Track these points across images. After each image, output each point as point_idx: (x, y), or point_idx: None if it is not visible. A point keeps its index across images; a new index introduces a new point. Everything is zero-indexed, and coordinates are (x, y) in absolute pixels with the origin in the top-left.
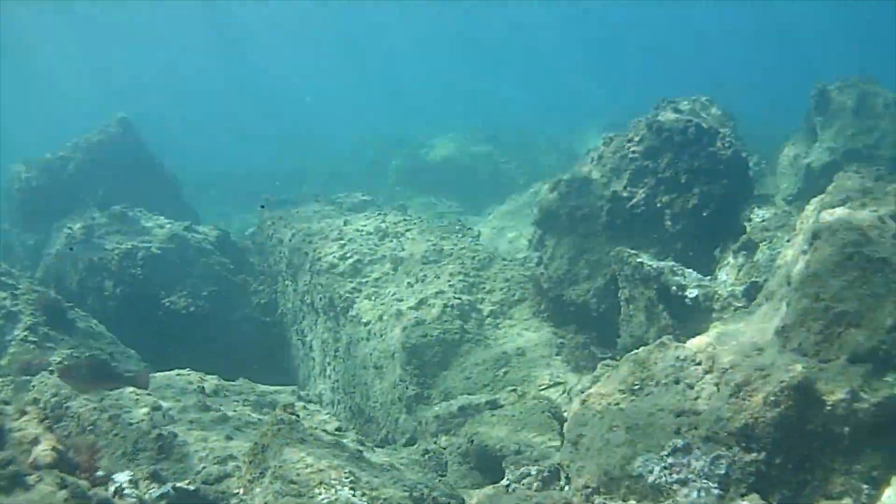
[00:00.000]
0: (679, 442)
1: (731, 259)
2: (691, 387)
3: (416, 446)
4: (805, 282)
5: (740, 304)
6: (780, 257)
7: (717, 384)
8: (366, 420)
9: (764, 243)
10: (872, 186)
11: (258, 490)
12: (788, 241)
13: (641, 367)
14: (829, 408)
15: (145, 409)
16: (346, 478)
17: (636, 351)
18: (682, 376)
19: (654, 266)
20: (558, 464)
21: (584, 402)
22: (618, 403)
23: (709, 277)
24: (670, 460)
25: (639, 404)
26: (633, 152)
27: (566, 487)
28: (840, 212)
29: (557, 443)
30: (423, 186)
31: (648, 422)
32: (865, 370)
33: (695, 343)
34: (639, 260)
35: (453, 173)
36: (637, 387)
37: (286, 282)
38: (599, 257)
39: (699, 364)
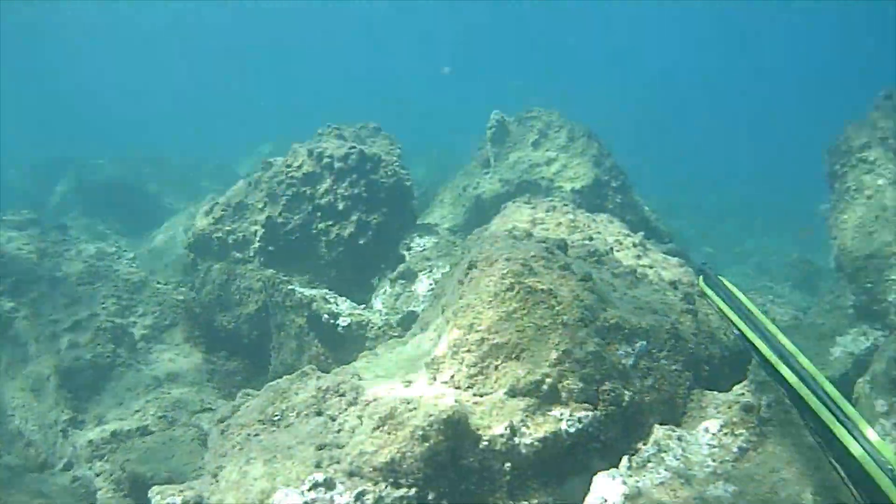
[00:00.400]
0: (320, 476)
1: (388, 288)
2: (334, 419)
3: (70, 472)
4: (459, 312)
5: (395, 334)
6: (438, 287)
7: (360, 417)
8: (26, 444)
9: (423, 272)
10: (543, 217)
11: None
12: (449, 270)
13: (282, 396)
14: (485, 443)
15: None
16: None
17: (278, 380)
18: (324, 408)
19: (306, 293)
20: (200, 494)
21: (223, 431)
22: (257, 434)
23: (363, 306)
24: (311, 495)
25: (278, 436)
26: (292, 178)
27: None
28: (504, 242)
29: None
30: (88, 207)
31: (288, 454)
32: (527, 404)
33: (340, 373)
34: (290, 287)
35: (119, 195)
36: (277, 417)
37: None
38: (251, 283)
39: (343, 395)
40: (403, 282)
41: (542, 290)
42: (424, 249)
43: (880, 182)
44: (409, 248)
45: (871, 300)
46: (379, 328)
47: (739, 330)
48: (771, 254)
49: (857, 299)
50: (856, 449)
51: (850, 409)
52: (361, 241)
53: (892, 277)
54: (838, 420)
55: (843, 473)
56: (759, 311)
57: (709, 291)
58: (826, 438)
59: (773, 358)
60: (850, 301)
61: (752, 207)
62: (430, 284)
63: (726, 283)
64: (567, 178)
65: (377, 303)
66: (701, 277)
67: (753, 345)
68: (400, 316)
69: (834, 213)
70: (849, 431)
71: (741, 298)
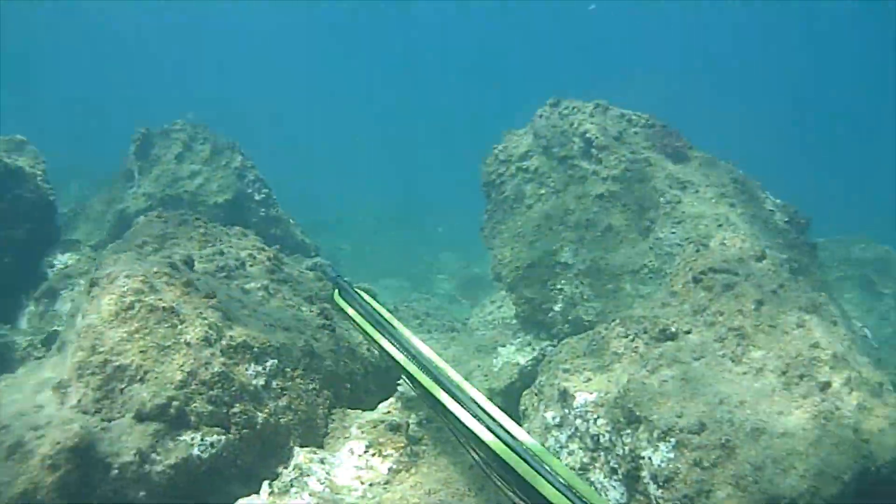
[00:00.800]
0: None
1: (31, 307)
2: None
3: None
4: (82, 333)
5: (40, 354)
6: (74, 306)
7: None
8: None
9: (66, 290)
10: (175, 231)
11: None
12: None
13: None
14: (116, 471)
15: None
16: None
17: None
18: None
19: None
20: None
21: None
22: None
23: (8, 326)
24: None
25: None
26: None
27: None
28: (125, 258)
29: None
30: None
31: None
32: (155, 429)
33: None
34: None
35: None
36: None
37: None
38: None
39: None
40: (47, 300)
41: (163, 308)
42: (67, 267)
43: (542, 191)
44: (52, 266)
45: (535, 310)
46: (24, 349)
47: (379, 345)
48: (434, 264)
49: (519, 309)
50: (526, 470)
51: (512, 424)
52: (6, 259)
53: (558, 287)
54: (502, 440)
55: (510, 493)
56: (402, 324)
57: (344, 305)
58: (489, 457)
59: (417, 371)
60: (511, 311)
61: (421, 219)
62: (71, 302)
63: (365, 296)
64: (210, 191)
65: (22, 322)
66: (336, 291)
67: (395, 359)
68: (44, 335)
69: (491, 222)
70: (511, 448)
71: (381, 312)
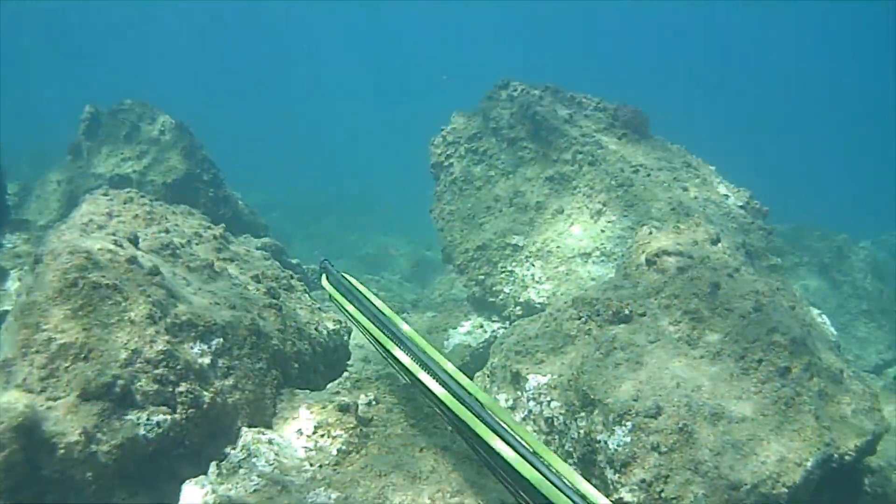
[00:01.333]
0: None
1: None
2: None
3: None
4: (25, 310)
5: None
6: (22, 285)
7: None
8: None
9: (16, 269)
10: (120, 209)
11: None
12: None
13: None
14: (62, 451)
15: None
16: None
17: None
18: None
19: None
20: None
21: None
22: None
23: None
24: None
25: None
26: None
27: None
28: (69, 235)
29: None
30: None
31: None
32: (101, 408)
33: None
34: None
35: None
36: None
37: None
38: None
39: None
40: None
41: (106, 285)
42: (16, 247)
43: (492, 173)
44: (1, 246)
45: (486, 291)
46: None
47: (368, 331)
48: (379, 246)
49: (470, 291)
50: (510, 455)
51: (504, 414)
52: None
53: (508, 268)
54: (487, 425)
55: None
56: (390, 309)
57: (332, 290)
58: (482, 448)
59: (409, 361)
60: (463, 293)
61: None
62: (19, 282)
63: (351, 279)
64: (159, 171)
65: None
66: (324, 276)
67: (385, 347)
68: None
69: (440, 204)
70: (501, 437)
71: (368, 296)
